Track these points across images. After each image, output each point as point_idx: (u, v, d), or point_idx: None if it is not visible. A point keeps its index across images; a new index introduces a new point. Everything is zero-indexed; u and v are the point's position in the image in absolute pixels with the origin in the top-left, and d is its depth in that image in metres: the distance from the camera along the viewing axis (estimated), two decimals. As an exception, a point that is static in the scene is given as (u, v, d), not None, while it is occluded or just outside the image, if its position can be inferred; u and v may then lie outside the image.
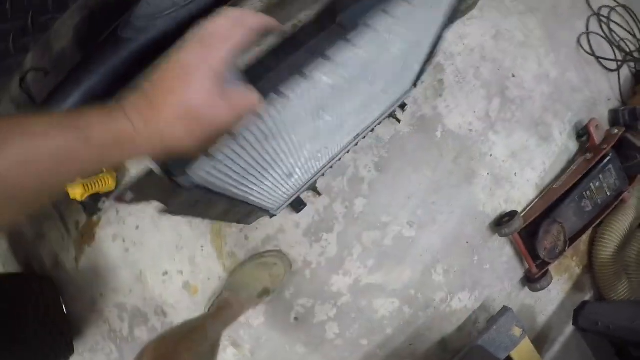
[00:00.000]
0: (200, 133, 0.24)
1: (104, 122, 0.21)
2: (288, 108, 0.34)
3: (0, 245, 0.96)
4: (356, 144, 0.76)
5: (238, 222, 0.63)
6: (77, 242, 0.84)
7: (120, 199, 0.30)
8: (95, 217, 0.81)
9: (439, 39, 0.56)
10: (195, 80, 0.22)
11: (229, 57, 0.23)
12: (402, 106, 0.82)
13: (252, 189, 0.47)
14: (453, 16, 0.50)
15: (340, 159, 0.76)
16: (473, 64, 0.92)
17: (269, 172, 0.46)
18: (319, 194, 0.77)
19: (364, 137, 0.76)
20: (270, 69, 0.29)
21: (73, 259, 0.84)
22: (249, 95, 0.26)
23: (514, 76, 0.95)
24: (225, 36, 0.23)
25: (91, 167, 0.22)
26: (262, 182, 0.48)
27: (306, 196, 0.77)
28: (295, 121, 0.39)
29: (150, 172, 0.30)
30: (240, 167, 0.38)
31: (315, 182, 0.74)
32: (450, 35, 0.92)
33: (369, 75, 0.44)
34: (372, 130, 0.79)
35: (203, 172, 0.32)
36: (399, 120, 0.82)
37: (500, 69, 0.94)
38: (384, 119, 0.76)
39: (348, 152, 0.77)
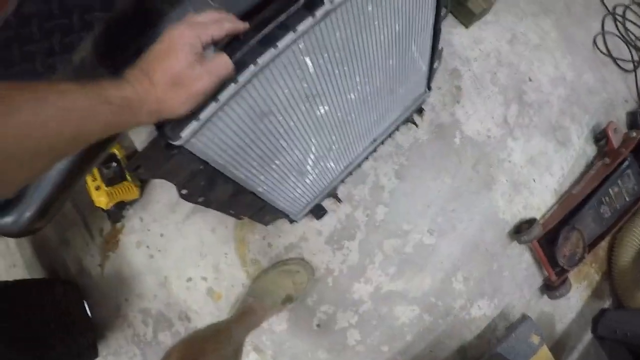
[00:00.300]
0: (186, 95, 0.30)
1: (117, 89, 0.27)
2: (270, 84, 0.37)
3: (25, 251, 0.99)
4: (375, 151, 0.77)
5: (252, 218, 0.64)
6: (101, 249, 0.86)
7: (131, 169, 0.35)
8: (119, 225, 0.83)
9: (436, 31, 0.56)
10: (178, 52, 0.29)
11: (204, 37, 0.30)
12: (420, 111, 0.82)
13: (258, 177, 0.48)
14: (441, 3, 0.50)
15: (360, 167, 0.77)
16: (490, 69, 0.92)
17: (272, 161, 0.47)
18: (340, 201, 0.78)
19: (383, 143, 0.76)
20: (244, 42, 0.32)
21: (97, 265, 0.86)
22: (222, 61, 0.31)
23: (530, 80, 0.95)
24: (204, 23, 0.30)
25: (109, 125, 0.27)
26: (267, 172, 0.49)
27: (328, 204, 0.78)
28: (286, 103, 0.41)
29: (153, 141, 0.34)
30: (234, 142, 0.40)
31: (335, 188, 0.75)
32: (465, 40, 0.92)
33: (359, 64, 0.45)
34: (391, 136, 0.80)
35: (196, 139, 0.35)
36: (416, 125, 0.82)
37: (517, 73, 0.94)
38: (401, 124, 0.77)
39: (368, 159, 0.77)
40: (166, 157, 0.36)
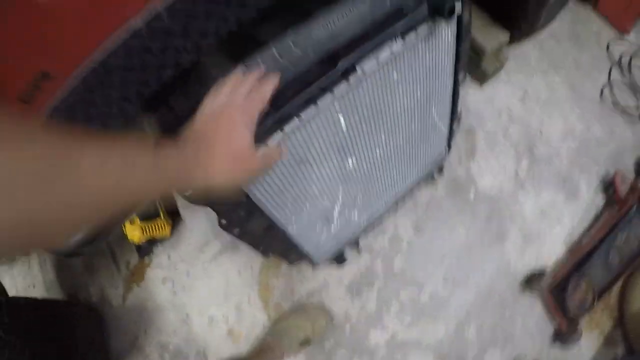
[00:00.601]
0: (239, 173, 0.33)
1: (178, 160, 0.29)
2: (309, 135, 0.42)
3: (47, 272, 1.02)
4: (396, 205, 0.81)
5: (280, 255, 0.67)
6: (126, 280, 0.89)
7: (181, 194, 0.38)
8: (146, 259, 0.87)
9: (455, 96, 0.61)
10: (239, 131, 0.32)
11: (255, 113, 0.33)
12: (440, 169, 0.87)
13: (291, 219, 0.53)
14: (460, 72, 0.56)
15: (381, 219, 0.81)
16: (502, 126, 0.97)
17: (304, 204, 0.52)
18: (361, 250, 0.82)
19: (404, 198, 0.81)
20: (288, 99, 0.38)
21: (120, 295, 0.89)
22: (277, 153, 0.36)
23: (541, 134, 1.00)
24: (253, 103, 0.33)
25: (169, 187, 0.29)
26: (299, 214, 0.53)
27: (349, 253, 0.82)
28: (320, 154, 0.46)
29: None
30: (274, 182, 0.45)
31: (357, 238, 0.79)
32: (480, 99, 0.98)
33: (384, 124, 0.51)
34: (411, 192, 0.84)
35: None
36: (436, 183, 0.87)
37: (528, 128, 0.99)
38: (422, 181, 0.81)
39: (389, 212, 0.81)
40: None
